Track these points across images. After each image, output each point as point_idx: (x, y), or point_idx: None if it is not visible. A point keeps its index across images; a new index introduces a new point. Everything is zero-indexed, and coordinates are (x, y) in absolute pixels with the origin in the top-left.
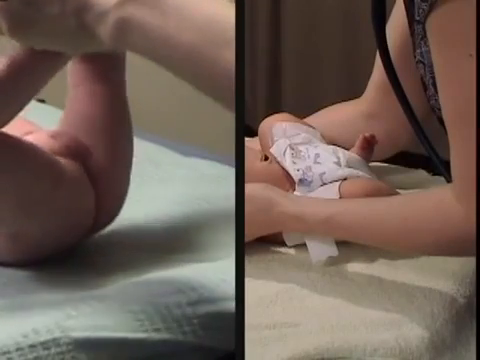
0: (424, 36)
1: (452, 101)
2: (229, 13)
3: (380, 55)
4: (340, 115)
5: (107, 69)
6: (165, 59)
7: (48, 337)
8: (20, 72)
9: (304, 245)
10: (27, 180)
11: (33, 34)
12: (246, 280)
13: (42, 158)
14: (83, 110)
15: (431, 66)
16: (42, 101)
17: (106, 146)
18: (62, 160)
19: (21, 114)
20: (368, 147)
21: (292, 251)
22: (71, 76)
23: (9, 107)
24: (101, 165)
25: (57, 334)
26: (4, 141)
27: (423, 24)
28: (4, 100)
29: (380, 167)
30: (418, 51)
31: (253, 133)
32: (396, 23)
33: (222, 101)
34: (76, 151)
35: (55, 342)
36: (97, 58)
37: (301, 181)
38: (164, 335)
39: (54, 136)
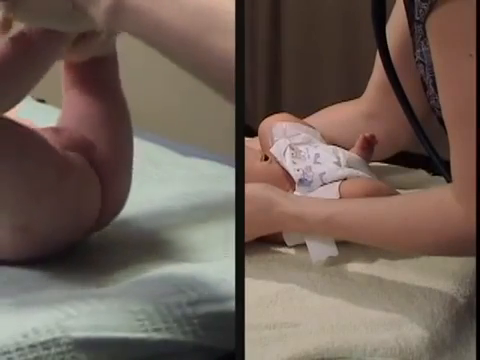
0: (424, 36)
1: (452, 101)
2: (223, 0)
3: (380, 55)
4: (340, 115)
5: (98, 70)
6: (158, 43)
7: (48, 337)
8: (23, 52)
9: (304, 245)
10: (35, 169)
11: (27, 11)
12: (246, 280)
13: (48, 148)
14: (79, 111)
15: (431, 66)
16: (42, 101)
17: (106, 141)
18: (67, 152)
19: (20, 114)
20: (368, 147)
21: (292, 251)
22: (63, 81)
23: (10, 93)
24: (104, 160)
25: (57, 334)
26: (11, 128)
27: (423, 24)
28: (8, 82)
29: (380, 167)
30: (418, 51)
31: (253, 133)
32: (396, 23)
33: (218, 89)
34: (80, 144)
35: (55, 342)
36: (88, 63)
37: (301, 181)
38: (164, 335)
39: (56, 131)
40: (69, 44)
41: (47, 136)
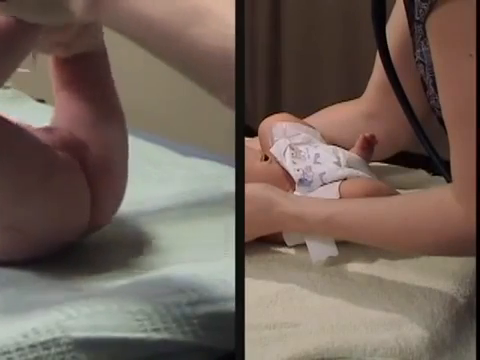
0: (424, 36)
1: (452, 101)
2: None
3: (380, 55)
4: (340, 115)
5: (87, 69)
6: (137, 37)
7: (48, 337)
8: None
9: (304, 245)
10: (22, 167)
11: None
12: (246, 280)
13: (37, 146)
14: (71, 112)
15: (431, 66)
16: (42, 101)
17: (98, 142)
18: (57, 152)
19: (20, 114)
20: (368, 147)
21: (292, 251)
22: (54, 82)
23: None
24: (96, 160)
25: (57, 334)
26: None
27: (423, 24)
28: None
29: (380, 167)
30: (418, 51)
31: (253, 133)
32: (396, 23)
33: (204, 86)
34: (71, 144)
35: (55, 342)
36: (76, 61)
37: (301, 181)
38: (164, 335)
39: (48, 130)
40: (50, 37)
41: (38, 135)
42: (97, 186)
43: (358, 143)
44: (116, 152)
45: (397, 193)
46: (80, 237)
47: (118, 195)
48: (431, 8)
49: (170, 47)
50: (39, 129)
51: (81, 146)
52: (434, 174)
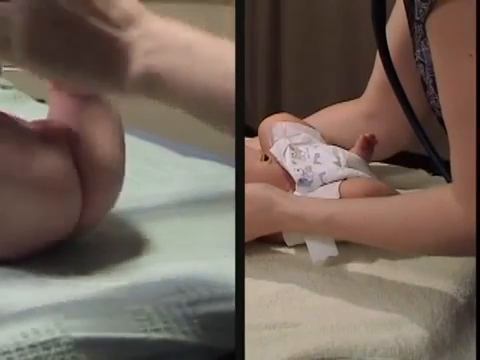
0: (424, 36)
1: (452, 101)
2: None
3: (380, 55)
4: (340, 115)
5: None
6: (192, 107)
7: (48, 337)
8: None
9: (304, 245)
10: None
11: (40, 64)
12: (246, 280)
13: (18, 137)
14: (65, 110)
15: (431, 66)
16: (42, 101)
17: (93, 141)
18: (44, 144)
19: (20, 114)
20: (368, 147)
21: (292, 251)
22: (48, 81)
23: None
24: (90, 159)
25: (57, 334)
26: None
27: (423, 24)
28: None
29: (380, 167)
30: (418, 51)
31: (253, 133)
32: (396, 23)
33: (222, 128)
34: (64, 135)
35: (55, 342)
36: None
37: (301, 181)
38: (164, 335)
39: (43, 122)
40: None
41: (28, 126)
42: (90, 185)
43: (358, 143)
44: (111, 151)
45: (397, 193)
46: (70, 236)
47: (112, 195)
48: (431, 8)
49: (217, 106)
50: (31, 122)
51: (75, 142)
52: (434, 174)
